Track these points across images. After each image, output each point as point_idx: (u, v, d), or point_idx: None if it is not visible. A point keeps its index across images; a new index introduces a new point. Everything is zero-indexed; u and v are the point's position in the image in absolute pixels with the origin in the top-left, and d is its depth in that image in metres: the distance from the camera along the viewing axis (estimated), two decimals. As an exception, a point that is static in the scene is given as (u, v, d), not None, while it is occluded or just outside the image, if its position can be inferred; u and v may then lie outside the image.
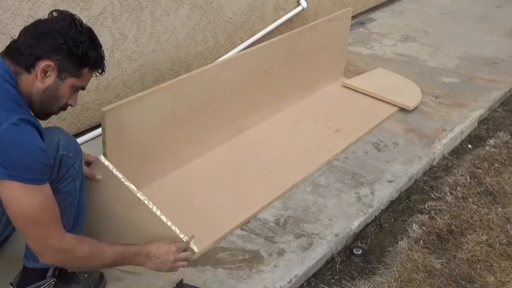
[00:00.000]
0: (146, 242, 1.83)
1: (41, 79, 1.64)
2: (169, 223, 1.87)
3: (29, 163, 1.54)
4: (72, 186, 1.77)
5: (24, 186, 1.54)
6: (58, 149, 1.71)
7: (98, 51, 1.74)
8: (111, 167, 1.88)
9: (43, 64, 1.63)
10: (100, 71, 1.79)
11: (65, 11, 1.73)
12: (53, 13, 1.71)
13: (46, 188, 1.61)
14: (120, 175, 1.87)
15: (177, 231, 1.87)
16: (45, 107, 1.71)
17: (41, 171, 1.58)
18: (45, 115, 1.76)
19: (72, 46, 1.65)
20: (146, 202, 1.87)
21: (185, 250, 1.86)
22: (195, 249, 1.88)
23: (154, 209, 1.87)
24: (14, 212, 1.57)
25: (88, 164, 1.95)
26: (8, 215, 1.60)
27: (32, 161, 1.55)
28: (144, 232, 1.93)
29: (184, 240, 1.86)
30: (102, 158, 1.89)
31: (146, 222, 1.90)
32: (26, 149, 1.54)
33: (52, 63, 1.64)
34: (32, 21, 1.71)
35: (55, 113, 1.76)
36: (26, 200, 1.55)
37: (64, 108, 1.76)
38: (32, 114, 1.68)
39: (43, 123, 2.59)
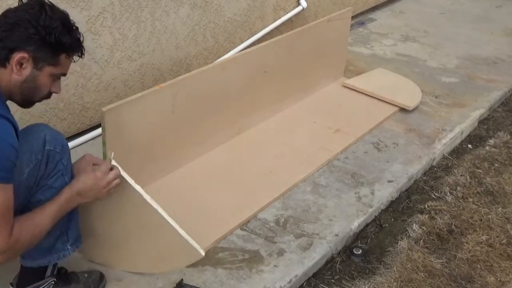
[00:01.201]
0: (71, 183, 1.78)
1: (17, 71, 1.61)
2: (176, 226, 1.89)
3: None
4: (61, 181, 1.75)
5: None
6: (45, 144, 1.69)
7: (73, 35, 1.67)
8: (120, 169, 1.87)
9: (17, 56, 1.59)
10: (79, 54, 1.72)
11: None
12: (22, 0, 1.65)
13: (10, 188, 1.55)
14: (129, 179, 1.87)
15: (186, 236, 1.88)
16: (27, 98, 1.68)
17: (10, 170, 1.53)
18: (29, 104, 1.72)
19: (44, 35, 1.59)
20: (154, 205, 1.88)
21: (111, 169, 1.82)
22: (118, 167, 1.85)
23: (163, 213, 1.88)
24: None
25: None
26: None
27: (2, 158, 1.50)
28: (153, 234, 1.93)
29: (188, 238, 1.87)
30: (113, 161, 1.88)
31: (155, 226, 1.91)
32: None
33: (26, 55, 1.59)
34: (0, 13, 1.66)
35: (39, 101, 1.73)
36: None
37: (47, 96, 1.72)
38: (10, 110, 1.63)
39: (37, 121, 2.59)
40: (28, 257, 1.82)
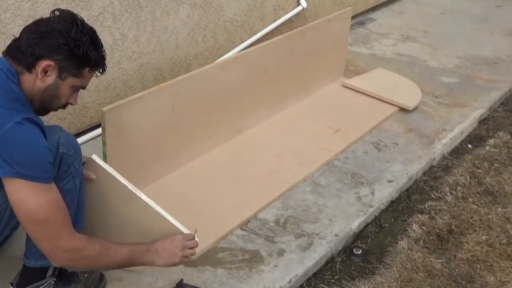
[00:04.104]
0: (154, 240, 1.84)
1: (41, 78, 1.65)
2: (168, 217, 1.88)
3: (36, 161, 1.55)
4: (72, 184, 1.77)
5: (32, 184, 1.54)
6: (59, 147, 1.72)
7: (99, 51, 1.73)
8: (104, 165, 1.88)
9: (43, 63, 1.63)
10: (101, 70, 1.79)
11: (67, 10, 1.73)
12: (55, 12, 1.71)
13: (54, 187, 1.61)
14: (114, 173, 1.87)
15: (177, 224, 1.88)
16: (45, 105, 1.72)
17: (48, 170, 1.59)
18: (44, 112, 1.76)
19: (73, 46, 1.65)
20: (142, 197, 1.88)
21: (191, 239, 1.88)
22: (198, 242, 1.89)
23: (150, 202, 1.88)
24: (23, 212, 1.56)
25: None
26: (17, 216, 1.59)
27: (39, 159, 1.55)
28: (143, 227, 1.93)
29: (184, 230, 1.87)
30: (95, 157, 1.89)
31: (144, 217, 1.91)
32: (33, 148, 1.55)
33: (52, 63, 1.64)
34: (32, 21, 1.71)
35: (55, 110, 1.77)
36: (35, 199, 1.55)
37: (64, 106, 1.77)
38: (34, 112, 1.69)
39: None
40: (31, 257, 1.83)
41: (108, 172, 1.87)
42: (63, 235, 1.61)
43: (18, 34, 1.69)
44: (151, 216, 1.90)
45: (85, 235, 1.71)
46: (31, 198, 1.55)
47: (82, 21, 1.70)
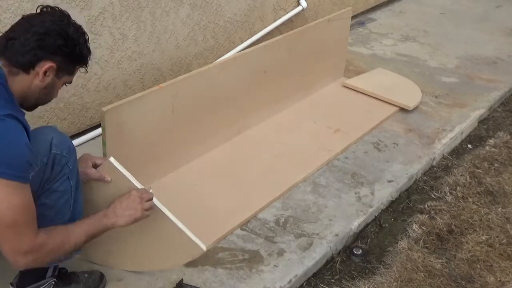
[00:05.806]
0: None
1: (41, 78, 1.66)
2: (180, 225, 1.89)
3: (14, 158, 1.51)
4: (66, 184, 1.75)
5: (6, 183, 1.49)
6: (51, 148, 1.70)
7: (89, 48, 1.77)
8: (121, 169, 1.87)
9: (45, 65, 1.64)
10: (86, 66, 1.82)
11: (57, 8, 1.73)
12: (44, 9, 1.70)
13: (28, 187, 1.57)
14: (130, 177, 1.87)
15: (192, 235, 1.91)
16: (40, 102, 1.75)
17: (25, 168, 1.55)
18: (34, 107, 1.77)
19: (72, 47, 1.68)
20: (156, 203, 1.88)
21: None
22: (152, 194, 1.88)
23: (164, 210, 1.88)
24: None
25: (96, 166, 1.94)
26: None
27: (16, 157, 1.52)
28: (154, 231, 1.93)
29: (194, 239, 1.90)
30: (112, 159, 1.88)
31: (156, 222, 1.91)
32: (11, 144, 1.52)
33: (54, 64, 1.66)
34: (21, 18, 1.69)
35: (43, 105, 1.80)
36: (8, 200, 1.51)
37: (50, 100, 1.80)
38: (20, 110, 1.66)
39: (37, 120, 2.60)
40: None
41: (124, 176, 1.87)
42: (26, 237, 1.57)
43: (9, 31, 1.67)
44: (163, 222, 1.90)
45: (45, 229, 1.64)
46: (4, 200, 1.50)
47: (69, 17, 1.72)
